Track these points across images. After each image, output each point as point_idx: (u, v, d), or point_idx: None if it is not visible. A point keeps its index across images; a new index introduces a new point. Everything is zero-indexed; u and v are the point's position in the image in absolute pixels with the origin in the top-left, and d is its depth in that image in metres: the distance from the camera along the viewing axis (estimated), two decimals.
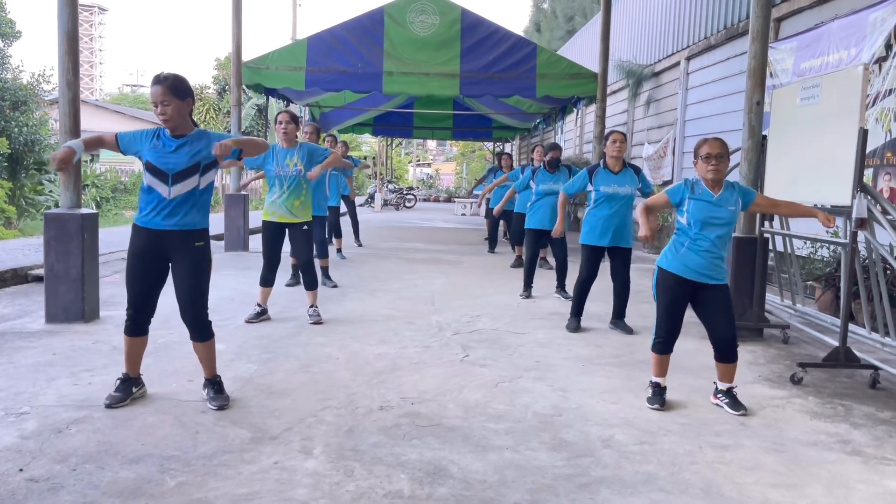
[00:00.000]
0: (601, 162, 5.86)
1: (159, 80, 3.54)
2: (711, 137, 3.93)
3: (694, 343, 5.32)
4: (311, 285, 5.89)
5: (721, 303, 3.88)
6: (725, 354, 3.92)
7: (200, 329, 3.74)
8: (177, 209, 3.60)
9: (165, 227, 3.61)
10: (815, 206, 5.17)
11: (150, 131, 3.69)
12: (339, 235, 10.01)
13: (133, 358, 3.76)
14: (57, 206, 7.79)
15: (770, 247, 6.13)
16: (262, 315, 5.80)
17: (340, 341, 5.20)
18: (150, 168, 3.60)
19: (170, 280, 3.73)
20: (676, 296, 3.90)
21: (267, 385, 4.11)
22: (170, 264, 3.70)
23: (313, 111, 15.71)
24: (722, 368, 3.96)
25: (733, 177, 6.00)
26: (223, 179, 23.51)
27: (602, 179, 5.73)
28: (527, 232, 7.44)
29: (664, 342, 3.95)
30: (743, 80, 6.24)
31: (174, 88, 3.53)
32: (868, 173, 6.82)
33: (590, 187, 5.77)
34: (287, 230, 5.84)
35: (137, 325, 3.72)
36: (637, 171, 5.87)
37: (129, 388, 3.74)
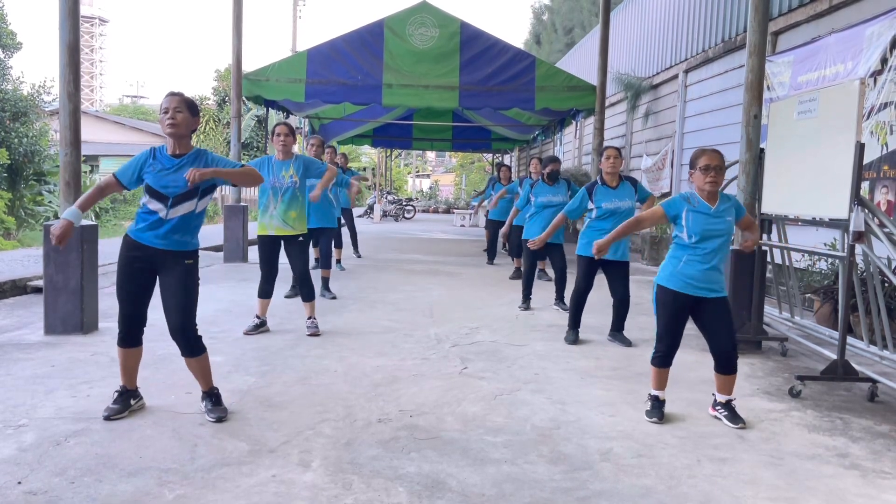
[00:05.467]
0: (598, 178, 5.88)
1: (176, 92, 3.68)
2: (710, 149, 3.92)
3: (692, 356, 5.33)
4: (308, 297, 5.89)
5: (721, 315, 3.89)
6: (726, 366, 3.92)
7: (190, 345, 3.72)
8: (172, 229, 3.62)
9: (159, 246, 3.62)
10: (813, 218, 5.21)
11: (146, 153, 3.71)
12: (338, 246, 10.03)
13: (129, 369, 3.76)
14: (56, 217, 7.78)
15: (768, 259, 6.15)
16: (260, 327, 5.80)
17: (338, 353, 5.20)
18: (150, 191, 3.62)
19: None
20: (676, 311, 3.90)
21: (265, 397, 4.11)
22: (157, 277, 3.71)
23: (313, 123, 15.76)
24: (721, 380, 3.96)
25: (731, 190, 6.03)
26: (222, 191, 23.54)
27: (602, 196, 5.74)
28: (525, 242, 7.45)
29: (664, 356, 3.95)
30: (741, 92, 6.28)
31: (189, 103, 3.67)
32: (864, 186, 6.85)
33: (591, 205, 5.78)
34: (283, 243, 5.84)
35: (130, 336, 3.72)
36: (634, 182, 5.89)
37: (128, 401, 3.74)
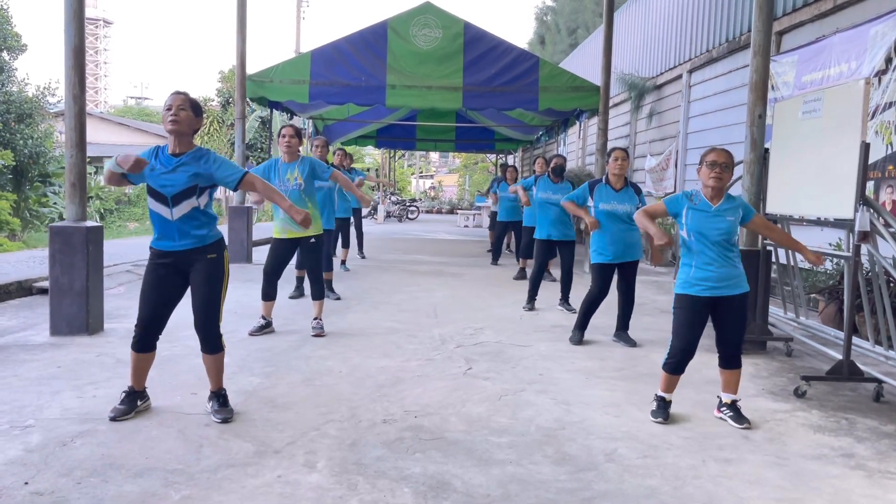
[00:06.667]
0: (604, 177, 5.87)
1: (181, 91, 3.70)
2: (720, 147, 3.96)
3: (698, 357, 5.27)
4: (319, 296, 5.90)
5: (736, 311, 3.88)
6: (730, 360, 3.92)
7: (211, 340, 3.76)
8: (184, 229, 3.64)
9: (179, 248, 3.66)
10: (818, 218, 5.21)
11: (149, 152, 3.72)
12: (346, 246, 10.03)
13: (139, 372, 3.78)
14: (61, 218, 7.77)
15: (773, 259, 6.13)
16: (265, 328, 5.81)
17: (342, 354, 5.21)
18: (150, 191, 3.65)
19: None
20: (692, 316, 3.88)
21: (270, 398, 4.12)
22: (189, 281, 3.75)
23: (317, 124, 15.79)
24: (726, 376, 3.96)
25: (736, 189, 6.02)
26: (226, 192, 23.58)
27: (601, 196, 5.74)
28: (537, 242, 7.45)
29: (677, 362, 3.93)
30: (745, 92, 6.27)
31: (193, 102, 3.69)
32: (869, 186, 6.83)
33: (590, 202, 5.78)
34: (297, 245, 5.88)
35: (145, 341, 3.74)
36: (638, 190, 5.87)
37: (134, 402, 3.75)
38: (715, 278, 3.83)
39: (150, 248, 3.75)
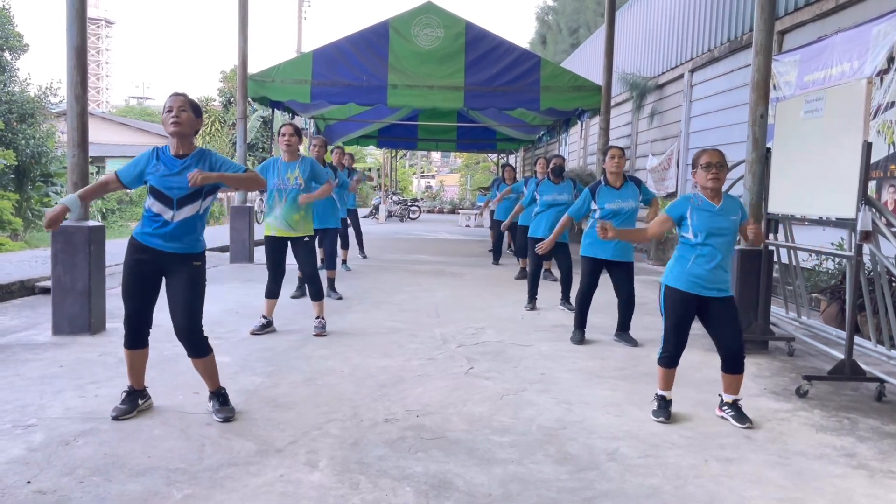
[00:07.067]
0: (602, 178, 5.87)
1: (179, 93, 3.70)
2: (710, 148, 3.98)
3: (699, 356, 5.32)
4: (317, 296, 5.90)
5: (729, 315, 3.88)
6: (733, 365, 3.91)
7: (197, 346, 3.74)
8: (178, 232, 3.62)
9: (166, 249, 3.63)
10: (820, 218, 5.20)
11: (148, 153, 3.72)
12: (345, 246, 10.04)
13: (136, 370, 3.78)
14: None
15: (775, 259, 6.13)
16: (267, 327, 5.82)
17: (344, 354, 5.21)
18: (155, 192, 3.61)
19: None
20: (683, 311, 3.89)
21: (271, 398, 4.12)
22: (163, 279, 3.73)
23: (318, 123, 15.81)
24: (728, 380, 3.95)
25: (737, 189, 6.03)
26: (227, 192, 23.58)
27: (605, 197, 5.74)
28: (530, 242, 7.47)
29: (671, 356, 3.94)
30: (746, 92, 6.26)
31: (192, 103, 3.69)
32: (871, 185, 6.83)
33: (594, 206, 5.78)
34: (290, 244, 5.86)
35: (136, 337, 3.74)
36: (638, 182, 5.89)
37: (135, 401, 3.76)
38: (707, 278, 3.84)
39: (132, 238, 3.70)
